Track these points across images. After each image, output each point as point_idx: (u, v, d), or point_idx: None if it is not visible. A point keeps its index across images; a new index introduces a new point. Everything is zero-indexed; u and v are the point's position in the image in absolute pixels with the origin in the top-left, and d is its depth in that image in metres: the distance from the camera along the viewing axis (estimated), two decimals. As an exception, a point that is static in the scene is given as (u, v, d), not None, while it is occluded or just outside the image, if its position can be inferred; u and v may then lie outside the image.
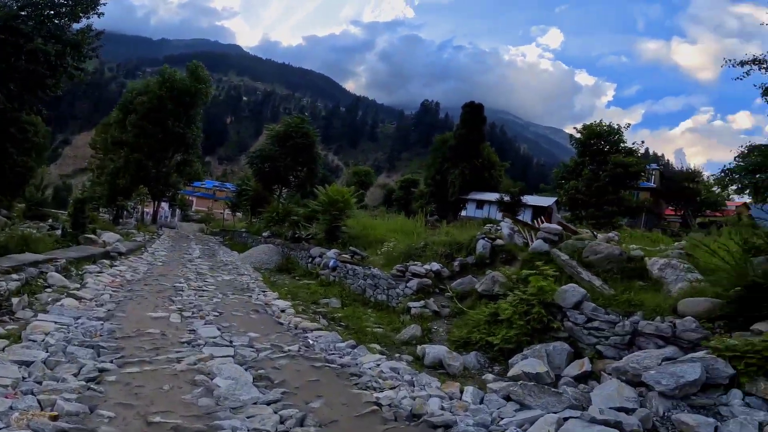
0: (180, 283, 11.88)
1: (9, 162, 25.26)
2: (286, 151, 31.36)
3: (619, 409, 5.54)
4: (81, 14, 29.55)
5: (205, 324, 8.05)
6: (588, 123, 35.06)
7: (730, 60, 9.09)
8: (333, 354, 7.32)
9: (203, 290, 11.42)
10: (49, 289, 9.13)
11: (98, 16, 30.51)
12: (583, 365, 7.10)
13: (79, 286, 9.76)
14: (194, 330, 7.56)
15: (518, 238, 13.79)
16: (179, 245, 25.30)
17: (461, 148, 39.29)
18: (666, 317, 7.59)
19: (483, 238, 12.47)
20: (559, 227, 12.13)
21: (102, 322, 7.23)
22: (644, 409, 5.58)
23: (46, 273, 9.82)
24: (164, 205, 51.28)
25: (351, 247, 14.76)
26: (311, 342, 7.89)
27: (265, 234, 24.65)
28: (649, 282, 9.59)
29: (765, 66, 8.84)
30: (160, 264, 15.59)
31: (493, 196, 36.42)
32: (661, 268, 9.86)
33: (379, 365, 6.88)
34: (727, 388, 5.90)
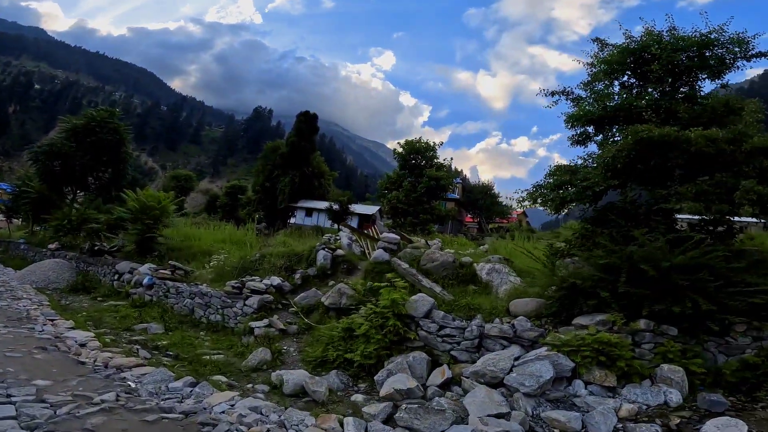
0: None
1: None
2: (85, 148, 25.75)
3: (498, 416, 5.55)
4: None
5: None
6: (410, 139, 37.74)
7: (543, 90, 10.13)
8: (168, 398, 5.83)
9: None
10: None
11: None
12: (444, 372, 7.06)
13: None
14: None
15: (356, 248, 13.53)
16: None
17: (293, 156, 38.33)
18: (503, 318, 8.01)
19: (323, 249, 11.82)
20: (397, 237, 12.17)
21: None
22: (518, 412, 5.67)
23: None
24: None
25: (171, 261, 12.60)
26: (132, 385, 6.18)
27: (52, 246, 19.90)
28: (480, 285, 10.13)
29: (570, 96, 10.05)
30: None
31: (322, 204, 36.21)
32: (488, 272, 10.53)
33: (233, 406, 5.73)
34: (570, 379, 6.39)
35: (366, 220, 36.83)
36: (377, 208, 42.87)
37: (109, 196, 26.08)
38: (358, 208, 38.77)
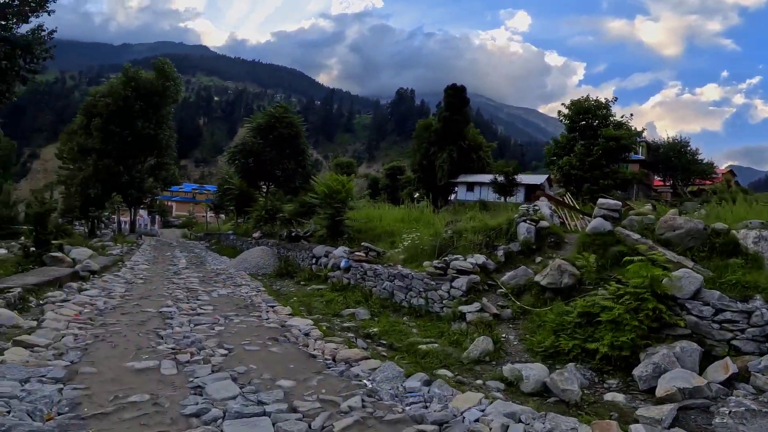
0: (167, 306, 9.23)
1: None
2: (270, 144, 28.25)
3: None
4: (30, 13, 25.99)
5: (214, 373, 5.56)
6: (575, 99, 33.50)
7: None
8: (411, 402, 5.10)
9: (198, 314, 8.83)
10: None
11: (48, 14, 26.91)
12: (728, 367, 5.42)
13: (35, 324, 7.09)
14: (200, 387, 5.08)
15: (556, 219, 11.69)
16: (162, 255, 22.33)
17: (446, 131, 37.13)
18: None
19: (524, 221, 10.27)
20: (619, 203, 9.99)
21: (61, 387, 4.69)
22: None
23: (-12, 312, 7.10)
24: (142, 213, 47.71)
25: (364, 243, 12.32)
26: (369, 384, 5.56)
27: (255, 235, 21.90)
28: (746, 258, 7.63)
29: None
30: (141, 282, 12.81)
31: (484, 178, 34.46)
32: (755, 241, 7.92)
33: (484, 412, 4.74)
34: None
35: (534, 190, 33.93)
36: (545, 176, 39.36)
37: (294, 187, 28.07)
38: (524, 179, 35.94)
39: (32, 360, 5.34)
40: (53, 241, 14.11)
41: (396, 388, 5.52)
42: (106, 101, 35.09)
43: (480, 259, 9.28)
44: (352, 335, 8.09)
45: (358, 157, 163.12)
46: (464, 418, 4.65)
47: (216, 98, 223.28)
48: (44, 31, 26.84)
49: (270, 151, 28.04)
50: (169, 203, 67.09)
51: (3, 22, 25.63)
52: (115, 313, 8.47)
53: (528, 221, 10.24)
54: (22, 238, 18.80)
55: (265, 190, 29.87)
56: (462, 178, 38.88)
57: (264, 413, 4.52)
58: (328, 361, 6.42)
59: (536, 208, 11.13)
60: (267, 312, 9.27)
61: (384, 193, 42.49)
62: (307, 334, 7.58)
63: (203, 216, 59.24)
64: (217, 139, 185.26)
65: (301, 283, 13.65)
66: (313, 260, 14.43)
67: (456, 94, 37.96)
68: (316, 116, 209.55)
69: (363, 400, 4.99)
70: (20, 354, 5.45)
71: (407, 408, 4.90)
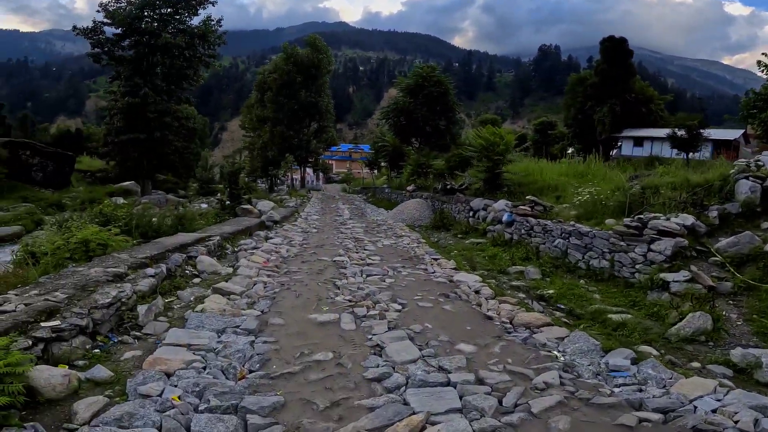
0: (340, 255, 9.19)
1: (170, 147, 25.73)
2: (420, 102, 27.65)
3: None
4: (197, 6, 28.67)
5: (390, 330, 5.03)
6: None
7: None
8: (621, 383, 4.04)
9: (368, 263, 8.57)
10: (196, 280, 6.92)
11: (213, 5, 29.37)
12: None
13: (231, 271, 7.48)
14: (379, 346, 4.58)
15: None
16: (328, 207, 23.56)
17: (605, 84, 32.09)
18: None
19: (746, 178, 7.75)
20: None
21: (253, 339, 4.59)
22: None
23: (195, 258, 7.67)
24: (309, 171, 51.74)
25: (529, 197, 10.82)
26: (561, 358, 4.54)
27: (409, 188, 21.62)
28: None
29: None
30: (315, 231, 13.32)
31: (658, 132, 29.05)
32: None
33: (721, 401, 3.58)
34: None
35: (725, 146, 27.44)
36: (740, 131, 31.78)
37: (444, 143, 27.17)
38: (712, 133, 29.22)
39: (228, 308, 5.40)
40: (244, 196, 15.46)
41: (596, 365, 4.42)
42: (273, 77, 39.31)
43: (688, 219, 7.24)
44: (524, 296, 6.99)
45: (501, 114, 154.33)
46: (695, 407, 3.49)
47: (361, 68, 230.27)
48: (213, 21, 29.63)
49: (421, 108, 27.37)
50: (330, 162, 71.79)
51: (177, 16, 28.82)
52: (296, 260, 8.66)
53: (750, 178, 7.70)
54: (219, 194, 21.36)
55: (416, 146, 29.44)
56: (628, 133, 33.46)
57: (449, 383, 3.84)
58: (506, 325, 5.49)
59: (759, 162, 8.35)
60: (431, 265, 8.62)
61: (532, 148, 38.88)
62: (477, 292, 6.70)
63: (359, 172, 62.09)
64: (366, 104, 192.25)
65: (458, 236, 12.79)
66: (470, 213, 13.40)
67: (614, 46, 32.77)
68: (456, 77, 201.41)
69: (561, 378, 4.02)
70: (218, 302, 5.57)
71: (616, 390, 3.86)
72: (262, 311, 5.40)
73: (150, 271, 5.91)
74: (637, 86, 33.55)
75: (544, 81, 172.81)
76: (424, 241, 11.77)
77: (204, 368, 3.89)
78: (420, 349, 4.50)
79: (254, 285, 6.54)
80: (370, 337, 4.80)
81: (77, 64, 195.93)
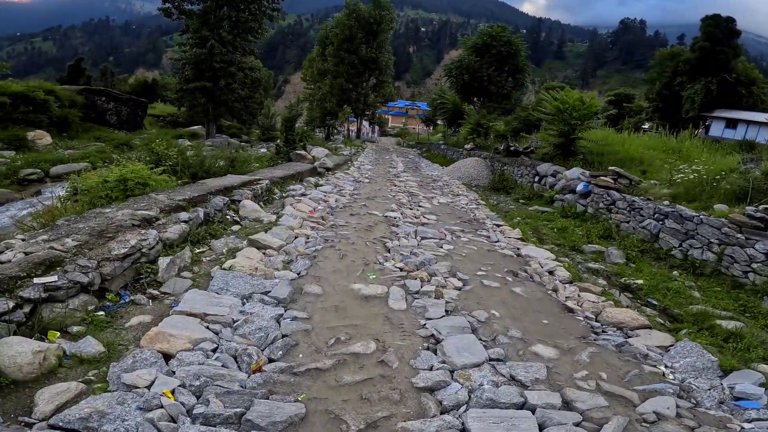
0: (392, 211, 8.00)
1: (234, 95, 25.76)
2: (487, 62, 24.96)
3: None
4: None
5: (448, 314, 3.85)
6: None
7: None
8: (755, 418, 2.83)
9: (422, 223, 7.35)
10: (235, 227, 6.00)
11: None
12: None
13: (274, 219, 6.50)
14: (434, 338, 3.46)
15: None
16: (382, 158, 22.25)
17: (703, 62, 28.05)
18: None
19: None
20: None
21: (281, 313, 3.58)
22: None
23: (239, 202, 6.75)
24: (365, 123, 50.24)
25: (613, 168, 8.96)
26: (671, 376, 3.36)
27: (467, 146, 19.80)
28: None
29: None
30: (367, 181, 12.17)
31: (757, 116, 25.56)
32: None
33: None
34: None
35: None
36: None
37: (508, 105, 24.78)
38: None
39: (261, 267, 4.40)
40: (299, 142, 14.51)
41: (718, 390, 3.14)
42: (335, 32, 38.18)
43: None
44: (605, 283, 5.55)
45: (569, 83, 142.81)
46: None
47: (422, 29, 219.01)
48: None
49: (487, 68, 24.69)
50: (386, 116, 69.53)
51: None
52: (344, 212, 7.57)
53: None
54: (278, 141, 20.69)
55: (477, 106, 27.01)
56: (720, 113, 29.35)
57: (524, 404, 2.70)
58: (592, 322, 4.18)
59: None
60: (494, 231, 7.27)
61: (603, 118, 34.60)
62: (551, 273, 5.33)
63: (414, 128, 59.70)
64: (425, 64, 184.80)
65: (520, 201, 11.20)
66: (535, 178, 11.68)
67: (718, 25, 28.89)
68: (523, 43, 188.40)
69: (678, 409, 2.80)
70: (251, 258, 4.59)
71: (747, 427, 2.70)
72: (298, 273, 4.36)
73: (183, 215, 5.01)
74: (741, 67, 29.37)
75: (623, 53, 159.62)
76: (483, 203, 10.32)
77: (214, 351, 2.94)
78: (486, 347, 3.31)
79: (295, 239, 5.53)
80: (423, 322, 3.65)
81: (155, 22, 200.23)
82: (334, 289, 4.10)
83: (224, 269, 4.18)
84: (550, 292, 4.75)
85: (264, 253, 4.81)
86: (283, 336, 3.21)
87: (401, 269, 4.76)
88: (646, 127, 27.38)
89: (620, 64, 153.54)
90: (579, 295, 4.72)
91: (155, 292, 3.83)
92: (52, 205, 5.71)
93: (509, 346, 3.40)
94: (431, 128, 46.04)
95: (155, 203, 5.13)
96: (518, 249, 6.25)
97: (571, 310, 4.33)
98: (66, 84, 26.10)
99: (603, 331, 4.03)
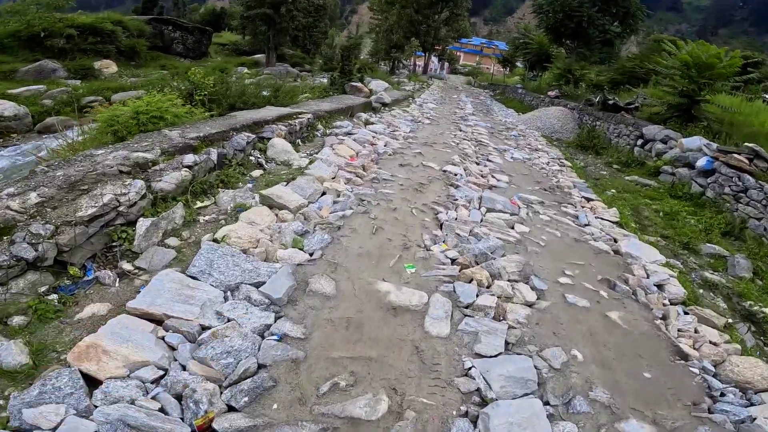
0: (453, 164, 6.60)
1: (295, 23, 25.16)
2: (589, 1, 20.66)
3: None
4: None
5: (509, 351, 2.64)
6: None
7: None
8: None
9: (491, 186, 5.89)
10: (257, 172, 4.94)
11: None
12: None
13: (306, 163, 5.34)
14: (480, 393, 2.30)
15: None
16: (449, 97, 20.09)
17: None
18: None
19: None
20: None
21: (271, 319, 2.55)
22: None
23: (268, 140, 5.64)
24: (434, 59, 46.45)
25: (750, 144, 6.70)
26: None
27: (551, 93, 17.15)
28: None
29: None
30: (428, 122, 10.58)
31: None
32: None
33: None
34: None
35: None
36: None
37: (607, 51, 21.02)
38: None
39: (263, 240, 3.30)
40: (356, 73, 12.96)
41: None
42: None
43: None
44: (725, 306, 3.95)
45: (681, 37, 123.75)
46: None
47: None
48: None
49: (589, 7, 20.41)
50: (458, 53, 63.93)
51: None
52: (392, 161, 6.24)
53: None
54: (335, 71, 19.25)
55: (569, 49, 23.14)
56: None
57: None
58: (710, 377, 2.80)
59: None
60: (583, 209, 5.68)
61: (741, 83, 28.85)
62: (660, 287, 3.80)
63: (488, 68, 54.63)
64: (508, 1, 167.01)
65: (614, 165, 9.19)
66: (638, 141, 9.49)
67: None
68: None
69: None
70: (257, 223, 3.53)
71: None
72: (310, 255, 3.24)
73: (189, 158, 3.98)
74: None
75: (752, 15, 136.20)
76: (568, 164, 8.51)
77: (157, 381, 1.95)
78: (552, 418, 2.09)
79: (321, 196, 4.36)
80: (468, 364, 2.46)
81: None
82: (354, 287, 2.93)
83: (216, 240, 3.13)
84: (658, 321, 3.28)
85: (277, 216, 3.70)
86: (260, 367, 2.15)
87: (453, 261, 3.48)
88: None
89: (748, 25, 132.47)
90: (696, 330, 3.24)
91: (128, 266, 2.93)
92: (73, 140, 4.88)
93: (588, 419, 2.13)
94: (508, 70, 41.66)
95: (161, 142, 4.13)
96: (615, 241, 4.68)
97: (684, 356, 2.91)
98: (140, 15, 26.35)
99: (722, 395, 2.63)
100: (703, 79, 8.80)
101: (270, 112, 6.65)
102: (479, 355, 2.53)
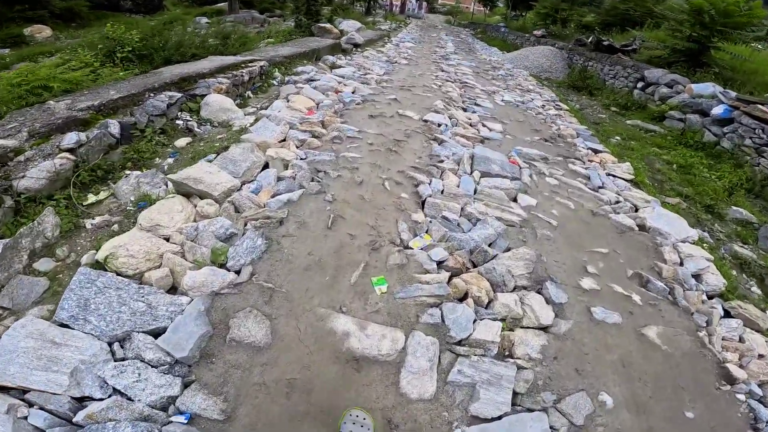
0: (435, 111, 5.53)
1: None
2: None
3: None
4: None
5: (518, 402, 1.82)
6: None
7: None
8: None
9: (483, 138, 4.87)
10: (182, 141, 3.81)
11: None
12: None
13: (250, 122, 4.18)
14: None
15: None
16: (428, 35, 18.26)
17: None
18: None
19: None
20: None
21: (176, 389, 1.66)
22: None
23: (203, 96, 4.43)
24: (411, -3, 42.93)
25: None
26: None
27: (537, 32, 15.70)
28: None
29: None
30: (404, 62, 9.24)
31: None
32: None
33: None
34: None
35: None
36: None
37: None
38: None
39: (169, 256, 2.28)
40: (323, 12, 11.26)
41: None
42: None
43: None
44: (761, 294, 3.26)
45: None
46: None
47: None
48: None
49: None
50: (438, -12, 59.56)
51: None
52: (362, 112, 5.10)
53: None
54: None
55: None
56: None
57: None
58: (757, 402, 2.14)
59: None
60: (591, 164, 4.75)
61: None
62: (698, 278, 3.00)
63: (467, 8, 51.03)
64: None
65: (611, 108, 8.22)
66: (638, 83, 8.45)
67: None
68: None
69: None
70: (166, 221, 2.50)
71: None
72: (236, 273, 2.27)
73: (70, 138, 2.86)
74: None
75: None
76: (565, 107, 7.42)
77: None
78: None
79: (261, 171, 3.26)
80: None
81: None
82: (298, 327, 2.01)
83: (97, 262, 2.11)
84: (701, 333, 2.48)
85: (196, 209, 2.65)
86: None
87: (440, 264, 2.54)
88: None
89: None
90: (741, 338, 2.48)
91: None
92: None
93: None
94: (488, 9, 38.84)
95: (36, 120, 2.96)
96: (636, 210, 3.81)
97: (730, 379, 2.16)
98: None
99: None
100: (717, 26, 7.74)
101: (209, 63, 5.36)
102: (477, 419, 1.71)
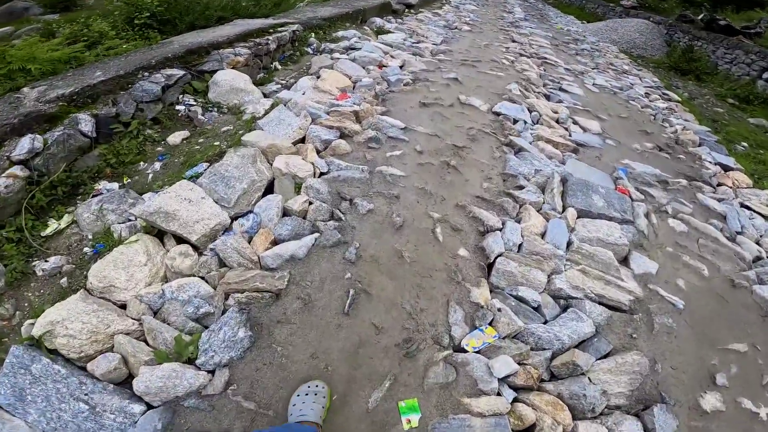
0: (510, 100, 4.24)
1: None
2: None
3: None
4: None
5: None
6: None
7: None
8: None
9: (575, 146, 3.63)
10: (177, 137, 2.96)
11: None
12: None
13: (266, 108, 3.24)
14: None
15: None
16: (493, -3, 16.19)
17: None
18: None
19: None
20: None
21: None
22: None
23: (213, 73, 3.54)
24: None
25: None
26: None
27: (626, 3, 13.38)
28: None
29: None
30: (466, 28, 7.85)
31: None
32: None
33: None
34: None
35: None
36: None
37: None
38: None
39: (122, 343, 1.55)
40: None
41: None
42: None
43: None
44: None
45: None
46: None
47: None
48: None
49: None
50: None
51: None
52: (411, 98, 3.98)
53: None
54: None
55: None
56: None
57: None
58: None
59: None
60: (721, 188, 3.48)
61: None
62: None
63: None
64: None
65: (728, 99, 6.59)
66: (763, 73, 6.71)
67: None
68: None
69: None
70: (123, 281, 1.74)
71: None
72: (208, 373, 1.53)
73: (23, 145, 2.13)
74: None
75: None
76: (675, 96, 5.88)
77: None
78: None
79: (262, 195, 2.33)
80: None
81: None
82: None
83: (37, 341, 1.35)
84: None
85: (166, 260, 1.80)
86: None
87: (504, 380, 1.62)
88: None
89: None
90: None
91: None
92: None
93: None
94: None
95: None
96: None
97: None
98: None
99: None
100: None
101: (230, 29, 4.46)
102: None
